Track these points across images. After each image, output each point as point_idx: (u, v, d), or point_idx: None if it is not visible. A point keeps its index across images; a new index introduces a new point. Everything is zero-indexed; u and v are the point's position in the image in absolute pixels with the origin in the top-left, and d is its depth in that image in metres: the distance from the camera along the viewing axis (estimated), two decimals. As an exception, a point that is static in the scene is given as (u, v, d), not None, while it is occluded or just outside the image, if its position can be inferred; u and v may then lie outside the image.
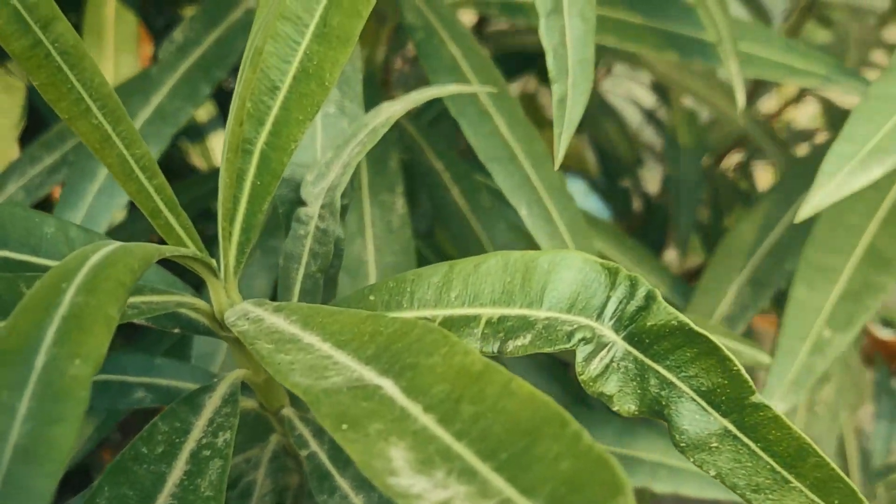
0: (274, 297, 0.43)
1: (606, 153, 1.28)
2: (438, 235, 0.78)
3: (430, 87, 0.48)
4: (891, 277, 0.59)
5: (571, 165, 1.44)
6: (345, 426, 0.24)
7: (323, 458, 0.42)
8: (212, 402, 0.37)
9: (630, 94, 1.43)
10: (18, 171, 0.61)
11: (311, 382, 0.26)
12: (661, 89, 1.22)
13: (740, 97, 0.57)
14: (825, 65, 0.62)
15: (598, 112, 1.20)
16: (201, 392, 0.38)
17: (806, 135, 1.33)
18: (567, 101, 0.46)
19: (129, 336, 0.73)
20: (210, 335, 0.40)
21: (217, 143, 0.80)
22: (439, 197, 0.69)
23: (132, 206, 0.60)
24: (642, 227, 1.27)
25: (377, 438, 0.23)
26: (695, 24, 0.64)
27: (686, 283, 0.78)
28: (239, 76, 0.35)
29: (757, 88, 1.29)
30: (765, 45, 0.63)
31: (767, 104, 1.45)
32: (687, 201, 0.97)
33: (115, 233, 0.67)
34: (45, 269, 0.37)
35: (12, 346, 0.22)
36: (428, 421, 0.23)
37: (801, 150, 1.28)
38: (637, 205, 1.32)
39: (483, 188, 0.69)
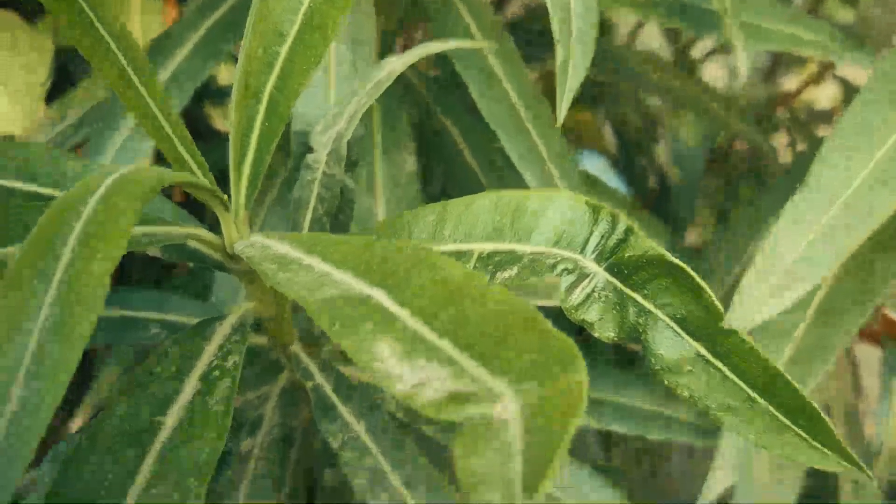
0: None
1: (624, 129, 1.29)
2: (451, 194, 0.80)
3: (432, 42, 0.50)
4: (842, 337, 0.58)
5: (589, 142, 1.45)
6: (337, 325, 0.26)
7: (327, 390, 0.45)
8: (222, 330, 0.40)
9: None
10: (44, 129, 0.64)
11: (311, 293, 0.29)
12: (683, 63, 1.24)
13: (742, 67, 0.59)
14: (831, 36, 0.64)
15: (616, 87, 1.22)
16: (212, 321, 0.41)
17: (826, 115, 1.34)
18: (569, 65, 0.48)
19: (156, 280, 0.76)
20: (220, 269, 0.42)
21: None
22: (451, 156, 0.72)
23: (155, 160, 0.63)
24: (657, 202, 1.29)
25: (367, 336, 0.26)
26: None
27: (693, 255, 0.80)
28: (246, 29, 0.38)
29: (776, 67, 1.30)
30: (770, 16, 0.64)
31: (788, 84, 1.46)
32: (688, 184, 0.99)
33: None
34: (38, 194, 0.39)
35: (41, 244, 0.25)
36: (413, 323, 0.26)
37: (824, 131, 1.29)
38: (653, 181, 1.33)
39: (494, 148, 0.71)
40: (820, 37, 0.64)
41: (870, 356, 1.20)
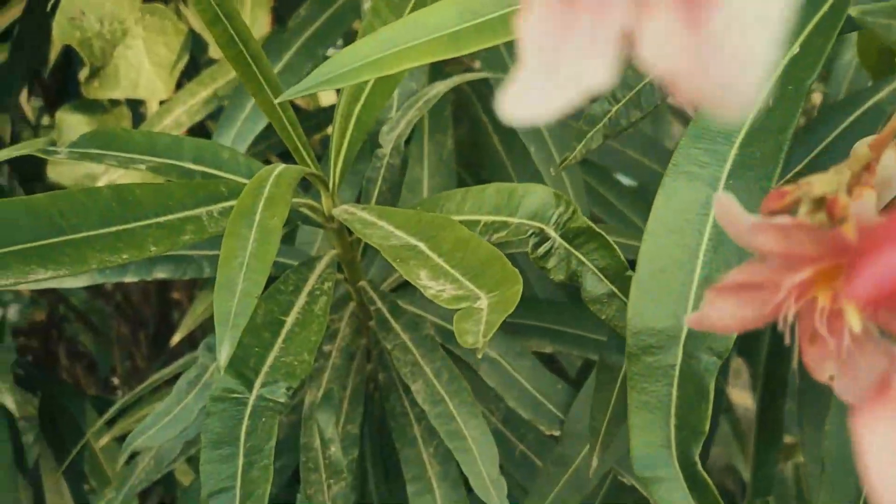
0: (358, 202, 0.72)
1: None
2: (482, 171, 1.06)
3: (468, 73, 0.75)
4: None
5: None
6: (398, 261, 0.52)
7: (385, 312, 0.71)
8: (320, 265, 0.66)
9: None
10: (182, 100, 0.91)
11: (382, 242, 0.54)
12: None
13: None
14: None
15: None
16: (313, 260, 0.67)
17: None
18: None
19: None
20: (318, 226, 0.68)
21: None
22: (484, 142, 0.97)
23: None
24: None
25: (413, 266, 0.51)
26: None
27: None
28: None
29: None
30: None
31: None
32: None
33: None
34: (226, 180, 0.65)
35: (244, 209, 0.51)
36: (439, 260, 0.52)
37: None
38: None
39: (517, 138, 0.97)
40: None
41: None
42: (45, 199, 0.55)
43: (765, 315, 0.30)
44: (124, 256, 0.54)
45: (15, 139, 1.28)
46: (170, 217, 0.57)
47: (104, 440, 1.03)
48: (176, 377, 0.79)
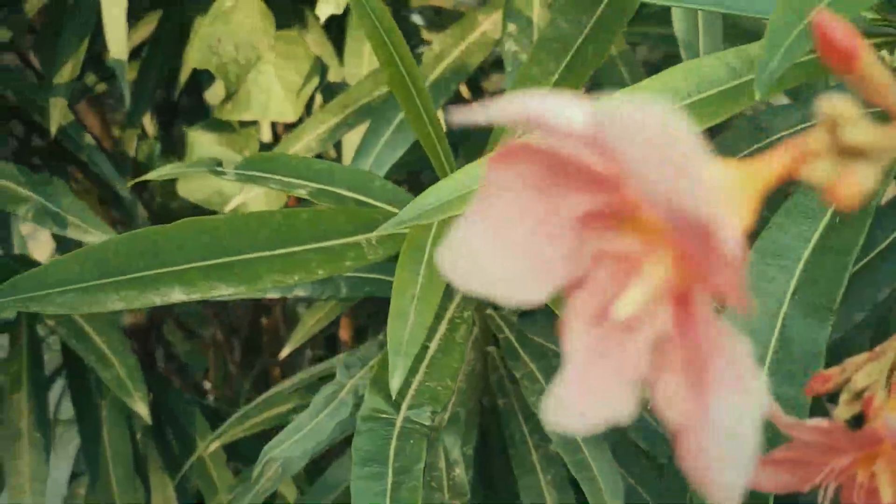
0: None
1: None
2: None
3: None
4: None
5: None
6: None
7: (513, 340, 0.74)
8: (459, 294, 0.69)
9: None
10: (311, 126, 0.95)
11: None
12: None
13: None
14: None
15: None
16: (452, 288, 0.70)
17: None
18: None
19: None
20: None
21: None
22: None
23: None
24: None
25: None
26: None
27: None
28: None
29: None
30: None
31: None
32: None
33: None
34: (374, 206, 0.69)
35: (415, 244, 0.55)
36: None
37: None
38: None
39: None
40: None
41: None
42: (222, 219, 0.60)
43: (808, 484, 0.34)
44: (295, 278, 0.59)
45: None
46: (332, 242, 0.61)
47: (213, 447, 1.07)
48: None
